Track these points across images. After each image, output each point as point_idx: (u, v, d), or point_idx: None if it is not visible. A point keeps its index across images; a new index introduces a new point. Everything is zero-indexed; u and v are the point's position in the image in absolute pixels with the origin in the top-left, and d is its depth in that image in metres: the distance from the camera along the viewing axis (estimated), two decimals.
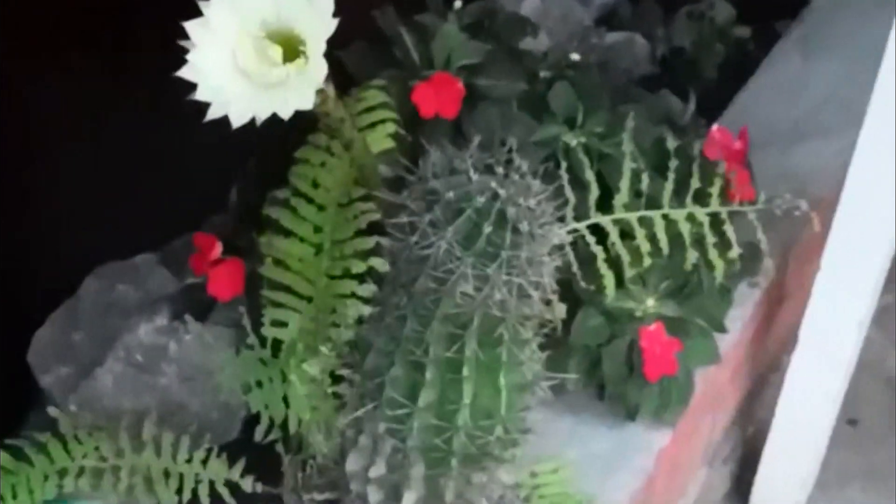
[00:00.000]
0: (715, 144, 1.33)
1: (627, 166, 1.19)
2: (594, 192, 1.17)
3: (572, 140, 1.26)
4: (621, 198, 1.18)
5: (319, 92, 0.94)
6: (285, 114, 0.88)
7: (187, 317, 1.22)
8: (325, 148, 1.19)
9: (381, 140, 1.18)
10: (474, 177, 0.76)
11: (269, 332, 1.14)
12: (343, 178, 1.18)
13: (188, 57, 0.91)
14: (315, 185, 1.18)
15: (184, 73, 0.91)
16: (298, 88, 0.90)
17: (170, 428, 1.14)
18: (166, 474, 1.10)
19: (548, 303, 0.83)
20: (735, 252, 1.21)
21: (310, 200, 1.18)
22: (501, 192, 0.75)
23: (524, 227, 0.75)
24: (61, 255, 1.27)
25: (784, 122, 1.58)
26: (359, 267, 1.14)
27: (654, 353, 1.19)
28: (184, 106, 0.91)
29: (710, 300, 1.25)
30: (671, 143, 1.20)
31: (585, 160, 1.19)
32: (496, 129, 1.25)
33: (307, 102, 0.90)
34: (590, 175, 1.17)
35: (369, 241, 1.13)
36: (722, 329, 1.27)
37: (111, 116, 1.28)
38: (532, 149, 1.25)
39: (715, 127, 1.34)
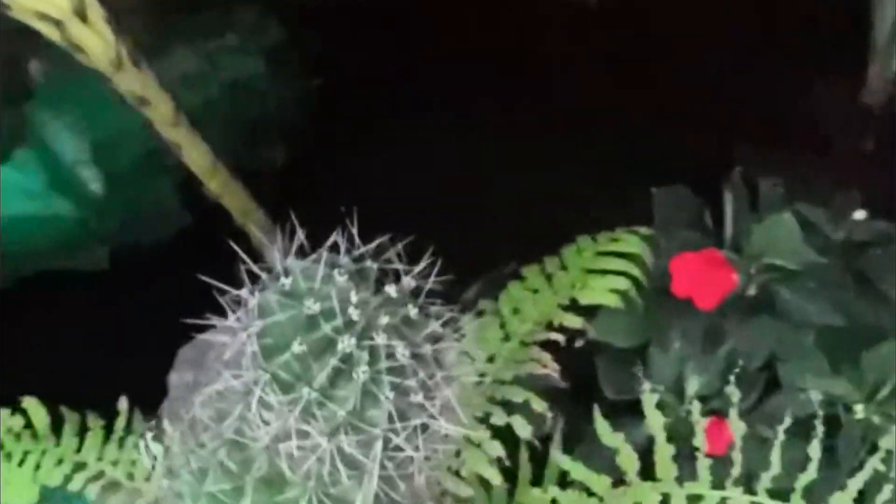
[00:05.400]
0: None
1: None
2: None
3: (858, 413, 0.94)
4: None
5: None
6: None
7: None
8: None
9: (602, 293, 0.95)
10: (340, 279, 0.52)
11: None
12: None
13: None
14: None
15: None
16: None
17: None
18: None
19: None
20: None
21: None
22: (357, 318, 0.49)
23: (382, 389, 0.49)
24: None
25: None
26: None
27: None
28: None
29: None
30: None
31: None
32: (764, 348, 0.96)
33: None
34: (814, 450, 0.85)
35: None
36: None
37: None
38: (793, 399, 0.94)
39: None
